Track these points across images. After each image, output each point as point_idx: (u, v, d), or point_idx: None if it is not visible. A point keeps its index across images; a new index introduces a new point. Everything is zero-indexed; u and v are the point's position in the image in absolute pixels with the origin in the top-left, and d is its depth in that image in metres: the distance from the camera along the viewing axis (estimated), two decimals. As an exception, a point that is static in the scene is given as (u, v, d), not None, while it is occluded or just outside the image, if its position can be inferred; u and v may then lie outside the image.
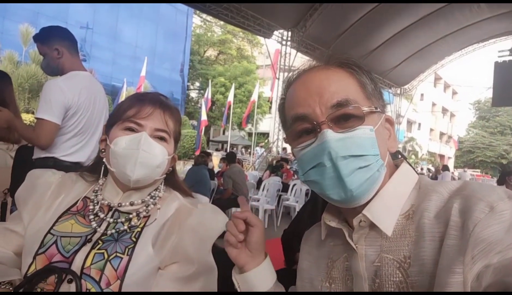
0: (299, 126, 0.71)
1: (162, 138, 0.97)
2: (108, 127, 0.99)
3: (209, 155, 8.44)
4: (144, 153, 0.92)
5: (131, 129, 0.95)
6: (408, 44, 13.35)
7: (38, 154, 2.08)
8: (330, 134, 0.65)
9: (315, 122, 0.67)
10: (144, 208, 0.96)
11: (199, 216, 0.96)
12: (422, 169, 24.68)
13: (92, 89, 2.20)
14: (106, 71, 19.70)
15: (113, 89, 18.27)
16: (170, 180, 1.06)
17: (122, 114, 0.97)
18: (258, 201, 6.94)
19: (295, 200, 7.51)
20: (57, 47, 2.13)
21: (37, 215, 0.95)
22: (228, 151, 18.54)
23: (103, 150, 1.00)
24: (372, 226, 0.68)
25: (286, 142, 0.79)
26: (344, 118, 0.67)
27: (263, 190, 7.01)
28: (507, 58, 13.92)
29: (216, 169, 9.06)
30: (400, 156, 0.80)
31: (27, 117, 10.75)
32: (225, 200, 6.08)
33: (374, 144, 0.67)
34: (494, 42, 14.44)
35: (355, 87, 0.70)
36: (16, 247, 0.95)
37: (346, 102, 0.67)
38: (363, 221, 0.68)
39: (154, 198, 0.99)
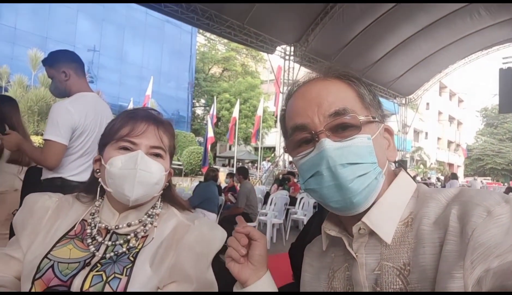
0: (298, 136, 0.72)
1: (158, 155, 0.96)
2: (101, 147, 0.98)
3: (217, 170, 8.44)
4: (141, 172, 0.91)
5: (126, 149, 0.93)
6: (411, 55, 13.40)
7: (46, 175, 2.11)
8: (328, 143, 0.66)
9: (313, 132, 0.69)
10: (142, 227, 0.95)
11: (196, 232, 0.95)
12: (429, 178, 24.19)
13: (99, 110, 2.25)
14: (113, 92, 20.02)
15: (120, 110, 18.43)
16: (167, 194, 1.05)
17: (115, 133, 0.95)
18: (265, 215, 6.90)
19: (303, 213, 7.46)
20: (64, 70, 2.19)
21: (36, 242, 0.94)
22: (235, 166, 18.54)
23: (97, 170, 0.99)
24: (372, 234, 0.68)
25: (285, 152, 0.80)
26: (342, 128, 0.68)
27: (270, 204, 6.97)
28: (512, 65, 13.93)
29: (223, 185, 9.05)
30: (399, 165, 0.81)
31: (36, 139, 10.93)
32: (233, 216, 6.04)
33: (372, 152, 0.68)
34: (497, 49, 14.43)
35: (353, 98, 0.72)
36: (16, 272, 0.95)
37: (343, 111, 0.68)
38: (363, 228, 0.68)
39: (151, 216, 0.98)
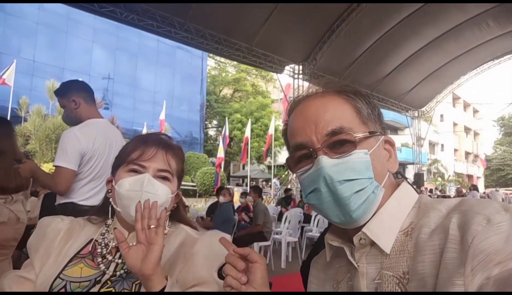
0: (299, 153, 0.75)
1: (165, 178, 1.01)
2: (114, 169, 1.04)
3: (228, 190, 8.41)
4: (147, 194, 0.95)
5: (135, 171, 0.99)
6: (421, 67, 13.35)
7: (59, 200, 2.17)
8: (325, 161, 0.68)
9: (311, 149, 0.71)
10: None
11: (205, 242, 0.98)
12: (441, 191, 23.32)
13: (108, 135, 2.30)
14: (127, 117, 20.53)
15: (134, 134, 18.67)
16: (176, 215, 1.09)
17: (126, 157, 1.01)
18: (280, 233, 6.82)
19: (318, 230, 7.32)
20: (74, 99, 2.27)
21: (48, 263, 0.98)
22: (248, 185, 18.49)
23: (109, 191, 1.04)
24: (373, 244, 0.69)
25: (286, 167, 0.82)
26: (339, 143, 0.70)
27: (284, 222, 6.90)
28: (525, 72, 13.69)
29: (237, 204, 9.01)
30: (400, 176, 0.81)
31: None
32: (246, 235, 5.99)
33: (369, 167, 0.69)
34: (509, 59, 14.23)
35: (350, 113, 0.73)
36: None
37: (340, 130, 0.70)
38: (363, 238, 0.70)
39: None
